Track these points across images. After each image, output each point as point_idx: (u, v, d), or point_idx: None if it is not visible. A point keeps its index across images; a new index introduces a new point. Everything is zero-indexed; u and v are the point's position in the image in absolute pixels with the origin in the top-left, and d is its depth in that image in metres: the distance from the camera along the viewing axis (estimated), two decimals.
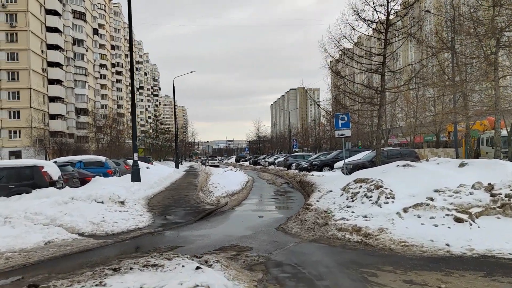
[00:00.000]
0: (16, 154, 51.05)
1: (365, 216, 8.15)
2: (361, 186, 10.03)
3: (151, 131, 65.94)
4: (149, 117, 66.27)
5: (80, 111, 70.37)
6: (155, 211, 11.59)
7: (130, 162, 28.65)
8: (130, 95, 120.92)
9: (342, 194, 10.43)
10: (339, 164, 24.77)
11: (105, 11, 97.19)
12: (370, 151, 23.82)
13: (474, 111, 18.24)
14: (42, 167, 12.69)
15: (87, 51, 76.71)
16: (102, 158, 20.71)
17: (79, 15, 73.45)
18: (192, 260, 5.44)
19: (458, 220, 7.25)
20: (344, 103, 17.57)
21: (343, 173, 22.02)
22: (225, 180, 18.27)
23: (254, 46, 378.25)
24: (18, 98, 53.26)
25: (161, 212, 11.32)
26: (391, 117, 35.48)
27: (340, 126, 17.53)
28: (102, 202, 10.07)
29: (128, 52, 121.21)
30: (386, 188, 9.22)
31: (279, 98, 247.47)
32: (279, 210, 11.61)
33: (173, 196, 15.33)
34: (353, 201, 9.53)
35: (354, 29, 15.18)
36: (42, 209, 9.34)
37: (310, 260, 5.98)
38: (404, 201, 8.60)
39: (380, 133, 15.83)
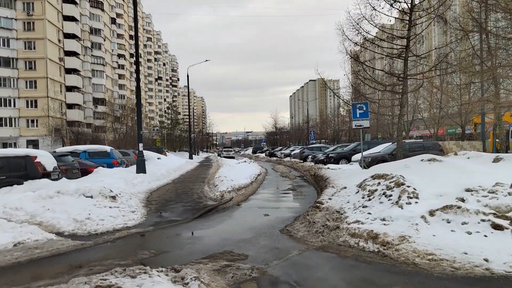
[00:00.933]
0: (34, 143, 51.30)
1: (383, 220, 6.97)
2: (379, 183, 8.82)
3: (167, 121, 65.26)
4: (168, 108, 65.72)
5: (97, 101, 70.41)
6: (152, 206, 10.65)
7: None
8: (149, 86, 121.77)
9: (358, 192, 9.24)
10: (357, 157, 23.45)
11: (123, 0, 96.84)
12: (391, 143, 22.40)
13: (507, 100, 16.64)
14: (35, 157, 11.88)
15: (104, 40, 76.63)
16: (108, 148, 19.94)
17: (97, 4, 73.19)
18: (167, 275, 4.41)
19: (496, 227, 6.01)
20: (364, 91, 16.20)
21: (361, 166, 20.74)
22: (234, 172, 17.25)
23: (275, 37, 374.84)
24: (35, 87, 53.39)
25: (157, 208, 10.36)
26: (413, 108, 33.76)
27: (358, 116, 16.24)
28: (91, 197, 9.15)
29: (147, 43, 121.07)
30: (408, 186, 7.99)
31: (298, 90, 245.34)
32: (288, 208, 10.49)
33: (177, 190, 14.38)
34: (369, 200, 8.34)
35: (375, 10, 13.82)
36: (23, 204, 8.48)
37: (313, 277, 4.88)
38: (430, 202, 7.37)
39: (402, 124, 14.49)
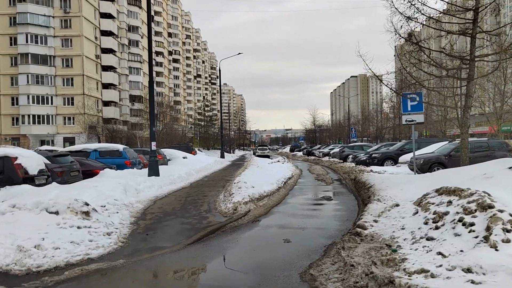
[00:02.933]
0: (70, 141, 51.21)
1: (469, 271, 4.25)
2: (450, 202, 6.03)
3: (198, 117, 63.81)
4: (206, 105, 64.46)
5: (134, 98, 70.16)
6: (143, 223, 8.36)
7: (166, 151, 26.11)
8: (187, 83, 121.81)
9: (417, 212, 6.49)
10: (405, 157, 20.32)
11: None
12: (447, 142, 19.09)
13: None
14: (15, 158, 9.97)
15: (142, 38, 76.32)
16: (120, 147, 18.05)
17: (134, 1, 72.96)
18: None
19: None
20: (417, 76, 13.17)
21: (412, 170, 17.64)
22: (259, 176, 14.77)
23: (314, 32, 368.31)
24: (72, 84, 53.41)
25: (147, 226, 8.06)
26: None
27: (409, 109, 13.27)
28: (57, 213, 6.98)
29: (186, 40, 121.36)
30: (501, 211, 5.18)
31: (339, 86, 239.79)
32: (317, 229, 7.88)
33: (187, 197, 12.08)
34: (437, 228, 5.59)
35: None
36: None
37: None
38: None
39: (467, 118, 11.42)
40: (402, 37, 12.17)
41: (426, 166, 16.74)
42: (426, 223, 5.89)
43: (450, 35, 11.87)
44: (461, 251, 4.80)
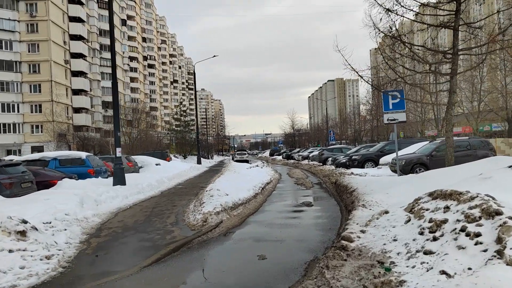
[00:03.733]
0: (38, 149, 48.80)
1: None
2: (447, 208, 5.18)
3: (175, 123, 62.31)
4: (183, 110, 62.84)
5: (107, 105, 68.06)
6: (95, 241, 7.24)
7: (138, 157, 24.85)
8: (164, 89, 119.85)
9: (409, 220, 5.62)
10: (386, 159, 19.72)
11: (135, 2, 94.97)
12: (428, 142, 18.56)
13: None
14: None
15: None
16: (83, 155, 16.72)
17: (105, 5, 70.95)
18: None
19: None
20: (394, 74, 12.42)
21: (393, 171, 16.99)
22: (234, 183, 13.77)
23: (292, 38, 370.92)
24: (40, 91, 51.22)
25: (100, 246, 6.94)
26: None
27: (390, 107, 12.57)
28: None
29: (161, 45, 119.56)
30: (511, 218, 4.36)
31: (316, 90, 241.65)
32: (297, 242, 6.94)
33: (154, 209, 10.96)
34: (435, 239, 4.73)
35: None
36: None
37: None
38: None
39: (451, 116, 10.74)
40: (381, 31, 11.44)
41: (408, 167, 16.11)
42: (421, 233, 5.02)
43: (431, 29, 11.21)
44: (469, 268, 3.94)
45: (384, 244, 5.21)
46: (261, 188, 14.02)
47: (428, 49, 11.01)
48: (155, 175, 18.99)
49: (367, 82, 11.05)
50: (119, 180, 13.96)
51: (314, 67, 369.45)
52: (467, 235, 4.43)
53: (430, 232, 4.96)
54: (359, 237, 5.65)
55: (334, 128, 67.82)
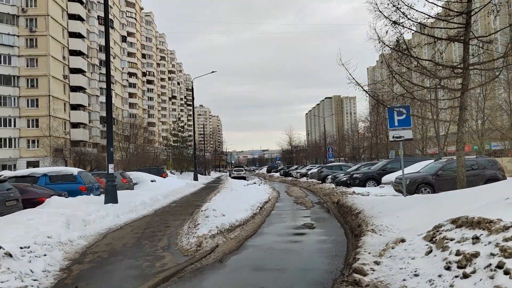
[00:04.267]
0: (34, 165, 48.06)
1: None
2: (477, 239, 4.53)
3: (172, 138, 61.66)
4: (181, 126, 62.45)
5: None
6: (76, 269, 6.51)
7: (133, 174, 24.18)
8: (162, 105, 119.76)
9: (431, 251, 4.95)
10: (389, 177, 19.08)
11: (135, 19, 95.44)
12: (433, 160, 17.97)
13: None
14: None
15: (114, 58, 74.44)
16: (75, 171, 16.04)
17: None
18: None
19: None
20: (400, 89, 11.85)
21: (397, 191, 16.34)
22: (231, 202, 13.07)
23: (289, 56, 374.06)
24: (37, 106, 50.68)
25: (81, 275, 6.21)
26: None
27: (396, 124, 11.99)
28: None
29: (160, 62, 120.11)
30: None
31: (314, 107, 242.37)
32: (301, 272, 6.25)
33: (145, 230, 10.22)
34: (466, 277, 4.06)
35: None
36: None
37: None
38: None
39: (462, 134, 10.16)
40: (386, 45, 10.96)
41: (412, 187, 15.48)
42: (448, 268, 4.35)
43: (439, 42, 10.72)
44: None
45: (404, 280, 4.53)
46: (259, 208, 13.32)
47: (436, 64, 10.51)
48: (150, 192, 18.29)
49: (372, 97, 10.52)
50: (111, 198, 13.25)
51: (311, 85, 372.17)
52: (506, 273, 3.77)
53: (458, 267, 4.29)
54: (373, 270, 4.97)
55: (332, 145, 67.26)
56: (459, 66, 10.26)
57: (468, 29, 10.00)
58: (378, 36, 10.80)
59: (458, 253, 4.46)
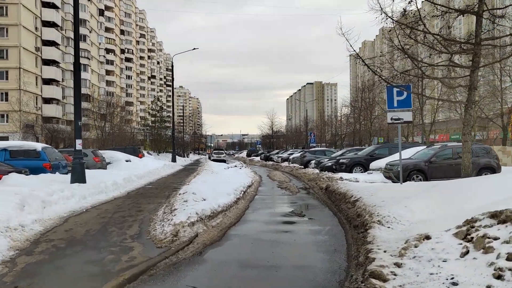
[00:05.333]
0: (3, 140, 45.73)
1: None
2: None
3: (151, 118, 59.71)
4: (159, 106, 60.31)
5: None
6: (22, 263, 5.28)
7: (107, 152, 22.75)
8: (141, 84, 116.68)
9: (467, 252, 3.96)
10: (378, 164, 18.29)
11: None
12: (425, 147, 17.23)
13: None
14: None
15: (90, 32, 71.41)
16: (38, 146, 14.55)
17: None
18: None
19: None
20: (403, 65, 10.82)
21: (387, 178, 15.54)
22: (212, 185, 11.92)
23: (272, 40, 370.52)
24: (7, 78, 47.83)
25: (26, 270, 4.99)
26: (435, 107, 28.67)
27: (395, 105, 11.00)
28: None
29: (140, 39, 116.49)
30: None
31: (295, 93, 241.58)
32: (298, 270, 5.21)
33: (114, 214, 9.00)
34: None
35: None
36: None
37: None
38: None
39: (471, 116, 9.27)
40: (389, 17, 9.88)
41: (404, 173, 14.62)
42: (499, 277, 3.35)
43: (448, 15, 9.71)
44: None
45: None
46: (242, 192, 12.25)
47: (444, 39, 9.52)
48: (123, 173, 16.97)
49: (374, 72, 9.44)
50: (78, 177, 11.93)
51: (293, 70, 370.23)
52: None
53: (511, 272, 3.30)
54: (395, 274, 3.94)
55: (314, 130, 66.64)
56: (470, 41, 9.29)
57: (483, 0, 9.01)
58: (380, 6, 9.72)
59: (510, 258, 3.47)
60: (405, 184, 10.75)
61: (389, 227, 5.95)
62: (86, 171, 14.34)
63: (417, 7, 9.02)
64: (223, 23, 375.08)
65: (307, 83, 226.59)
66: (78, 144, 12.51)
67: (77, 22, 13.30)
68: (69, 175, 12.93)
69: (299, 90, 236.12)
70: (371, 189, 9.36)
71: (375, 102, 39.78)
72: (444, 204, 6.43)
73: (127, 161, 22.37)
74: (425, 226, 5.46)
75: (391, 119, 11.08)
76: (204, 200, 9.01)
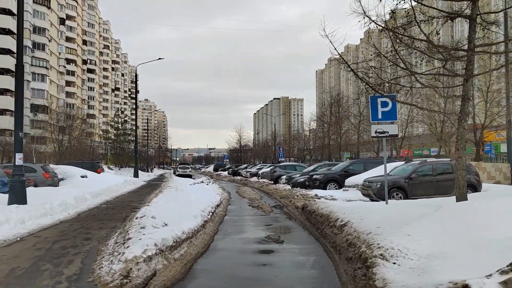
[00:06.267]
0: None
1: None
2: None
3: (112, 131, 57.06)
4: (121, 117, 57.54)
5: (37, 108, 61.49)
6: None
7: (60, 168, 20.78)
8: (104, 96, 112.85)
9: None
10: (353, 180, 17.40)
11: (76, 2, 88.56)
12: (403, 163, 16.48)
13: None
14: None
15: (50, 41, 68.34)
16: None
17: (42, 1, 64.90)
18: None
19: None
20: (386, 75, 9.93)
21: (364, 194, 14.61)
22: (175, 205, 10.48)
23: (239, 55, 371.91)
24: None
25: None
26: (407, 120, 28.42)
27: (379, 117, 10.07)
28: None
29: (103, 50, 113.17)
30: None
31: (262, 107, 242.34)
32: None
33: (54, 245, 7.40)
34: None
35: None
36: None
37: None
38: None
39: (465, 129, 8.40)
40: (373, 21, 8.98)
41: (384, 191, 13.75)
42: None
43: (437, 20, 8.91)
44: None
45: None
46: (210, 213, 10.87)
47: (434, 46, 8.69)
48: (76, 190, 15.19)
49: (361, 79, 8.43)
50: (17, 197, 10.19)
51: (259, 86, 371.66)
52: None
53: None
54: None
55: (282, 144, 66.02)
56: (462, 48, 8.49)
57: (476, 3, 8.25)
58: (363, 10, 8.81)
59: None
60: (391, 204, 9.74)
61: (395, 263, 4.80)
62: (33, 189, 12.59)
63: (411, 4, 8.14)
64: (190, 36, 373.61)
65: (274, 98, 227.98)
66: (19, 158, 10.75)
67: (21, 16, 11.68)
68: (5, 196, 11.12)
69: (266, 105, 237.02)
70: (358, 210, 8.25)
71: (345, 116, 39.48)
72: (454, 232, 5.38)
73: (82, 176, 20.44)
74: (443, 264, 4.36)
75: (376, 132, 10.12)
76: (166, 225, 7.60)
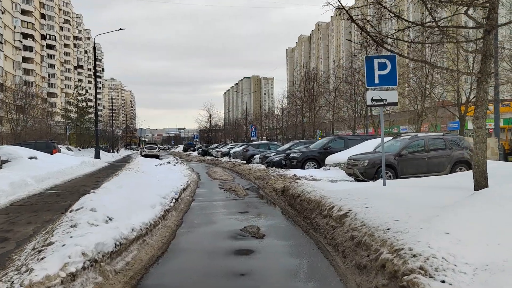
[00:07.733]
0: None
1: None
2: None
3: (72, 109, 53.43)
4: (81, 94, 53.56)
5: None
6: None
7: (3, 148, 18.28)
8: (65, 74, 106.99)
9: None
10: (335, 158, 15.87)
11: None
12: (391, 138, 15.01)
13: None
14: None
15: (3, 13, 63.14)
16: None
17: None
18: None
19: None
20: (385, 31, 8.20)
21: (349, 174, 13.09)
22: (129, 190, 8.54)
23: (207, 34, 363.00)
24: None
25: None
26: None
27: (376, 82, 8.37)
28: None
29: (64, 25, 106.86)
30: None
31: (232, 87, 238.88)
32: None
33: None
34: None
35: None
36: None
37: None
38: None
39: (486, 92, 6.81)
40: None
41: (372, 170, 12.27)
42: None
43: None
44: None
45: None
46: (174, 199, 9.02)
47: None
48: (18, 174, 12.91)
49: (361, 29, 6.67)
50: None
51: (229, 65, 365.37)
52: None
53: None
54: None
55: (254, 123, 64.21)
56: None
57: None
58: None
59: None
60: (392, 184, 8.17)
61: (444, 282, 3.15)
62: None
63: None
64: (159, 14, 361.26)
65: (244, 77, 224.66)
66: None
67: None
68: None
69: (237, 84, 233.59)
70: (356, 194, 6.58)
71: (319, 92, 37.95)
72: (507, 228, 3.78)
73: (31, 158, 18.00)
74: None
75: (371, 99, 8.43)
76: (110, 220, 5.70)
